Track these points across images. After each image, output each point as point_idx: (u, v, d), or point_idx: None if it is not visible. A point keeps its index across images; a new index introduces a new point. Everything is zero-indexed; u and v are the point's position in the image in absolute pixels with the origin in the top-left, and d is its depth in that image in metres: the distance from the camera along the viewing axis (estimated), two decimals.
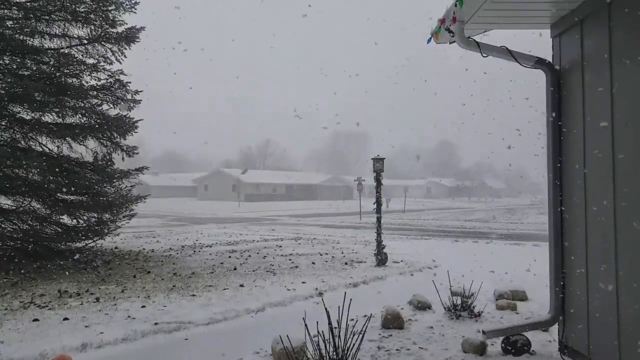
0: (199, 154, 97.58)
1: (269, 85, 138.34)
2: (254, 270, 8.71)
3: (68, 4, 9.29)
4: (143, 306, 5.95)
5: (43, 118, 9.53)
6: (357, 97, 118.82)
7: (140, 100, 10.68)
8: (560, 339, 4.16)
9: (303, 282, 7.55)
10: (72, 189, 9.47)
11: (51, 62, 9.56)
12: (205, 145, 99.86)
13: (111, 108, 10.44)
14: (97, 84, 10.06)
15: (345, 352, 3.60)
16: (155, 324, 5.20)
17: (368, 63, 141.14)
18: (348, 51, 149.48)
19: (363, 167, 69.18)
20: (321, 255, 10.91)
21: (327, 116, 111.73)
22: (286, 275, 8.26)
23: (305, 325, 3.57)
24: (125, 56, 10.37)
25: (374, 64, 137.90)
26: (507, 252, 11.79)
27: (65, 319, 5.38)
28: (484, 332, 4.28)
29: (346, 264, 9.61)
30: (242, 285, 7.29)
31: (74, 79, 9.81)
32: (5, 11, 9.16)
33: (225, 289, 7.01)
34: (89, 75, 9.96)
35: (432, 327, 5.19)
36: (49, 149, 9.89)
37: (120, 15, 9.91)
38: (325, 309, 3.64)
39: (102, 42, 10.03)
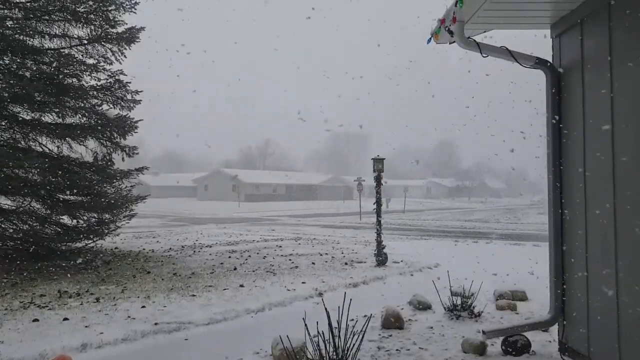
0: (199, 154, 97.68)
1: (269, 85, 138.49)
2: (254, 271, 8.71)
3: (68, 4, 9.29)
4: (143, 306, 5.95)
5: (43, 118, 9.54)
6: (357, 97, 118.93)
7: (140, 100, 10.69)
8: (560, 339, 4.16)
9: (303, 283, 7.55)
10: (72, 189, 9.47)
11: (53, 64, 9.55)
12: (205, 145, 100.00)
13: (111, 108, 10.45)
14: (97, 84, 10.06)
15: (345, 352, 3.60)
16: (155, 324, 5.20)
17: (368, 63, 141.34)
18: (348, 52, 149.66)
19: (363, 167, 69.26)
20: (321, 255, 10.91)
21: (327, 117, 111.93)
22: (286, 275, 8.26)
23: (305, 325, 3.56)
24: (125, 56, 10.37)
25: (374, 64, 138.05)
26: (507, 252, 11.79)
27: (65, 319, 5.38)
28: (484, 332, 4.28)
29: (346, 264, 9.61)
30: (242, 286, 7.28)
31: (74, 79, 9.80)
32: (6, 11, 9.16)
33: (225, 289, 7.01)
34: (89, 75, 9.96)
35: (432, 327, 5.19)
36: (49, 149, 9.90)
37: (120, 16, 9.91)
38: (325, 309, 3.64)
39: (102, 43, 10.03)
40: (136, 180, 10.89)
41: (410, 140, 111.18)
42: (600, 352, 3.51)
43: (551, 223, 4.14)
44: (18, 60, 9.23)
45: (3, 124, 9.45)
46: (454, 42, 4.00)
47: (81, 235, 9.88)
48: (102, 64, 10.10)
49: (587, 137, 3.67)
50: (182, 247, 12.51)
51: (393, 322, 5.15)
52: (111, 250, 11.47)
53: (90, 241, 10.33)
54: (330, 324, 3.60)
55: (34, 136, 9.76)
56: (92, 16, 9.63)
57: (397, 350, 4.44)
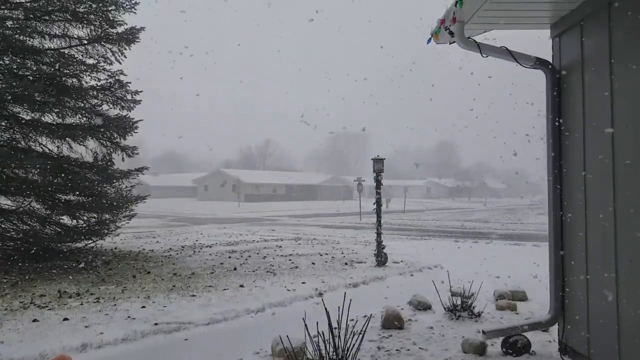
0: (199, 155, 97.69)
1: (269, 86, 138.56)
2: (253, 271, 8.71)
3: (68, 4, 9.29)
4: (143, 306, 5.95)
5: (43, 118, 9.54)
6: (357, 98, 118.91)
7: (140, 100, 10.69)
8: (560, 339, 4.16)
9: (303, 283, 7.55)
10: (72, 189, 9.47)
11: (55, 65, 9.55)
12: (205, 145, 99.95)
13: (111, 108, 10.45)
14: (97, 84, 10.06)
15: (345, 352, 3.60)
16: (155, 324, 5.19)
17: (368, 63, 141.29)
18: (348, 52, 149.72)
19: (363, 168, 69.28)
20: (321, 255, 10.91)
21: (327, 118, 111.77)
22: (286, 275, 8.26)
23: (305, 325, 3.56)
24: (125, 56, 10.37)
25: (374, 64, 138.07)
26: (507, 253, 11.79)
27: (65, 319, 5.38)
28: (484, 333, 4.28)
29: (346, 264, 9.61)
30: (242, 286, 7.28)
31: (74, 79, 9.81)
32: (6, 11, 9.16)
33: (225, 289, 7.01)
34: (88, 75, 9.97)
35: (432, 328, 5.19)
36: (49, 150, 9.90)
37: (120, 16, 9.91)
38: (325, 309, 3.63)
39: (102, 43, 10.03)
40: (136, 181, 10.89)
41: (411, 140, 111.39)
42: (600, 352, 3.51)
43: (551, 223, 4.14)
44: (18, 60, 9.23)
45: (3, 124, 9.45)
46: (454, 42, 4.00)
47: (81, 236, 9.88)
48: (102, 64, 10.10)
49: (587, 138, 3.67)
50: (182, 247, 12.51)
51: (393, 322, 5.14)
52: (111, 250, 11.46)
53: (90, 241, 10.33)
54: (330, 324, 3.60)
55: (33, 136, 9.76)
56: (92, 16, 9.63)
57: (397, 350, 4.44)
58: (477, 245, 13.50)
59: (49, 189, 9.41)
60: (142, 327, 5.07)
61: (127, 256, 10.55)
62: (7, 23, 9.06)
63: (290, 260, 10.13)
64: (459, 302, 5.64)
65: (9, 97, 8.71)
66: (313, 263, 9.67)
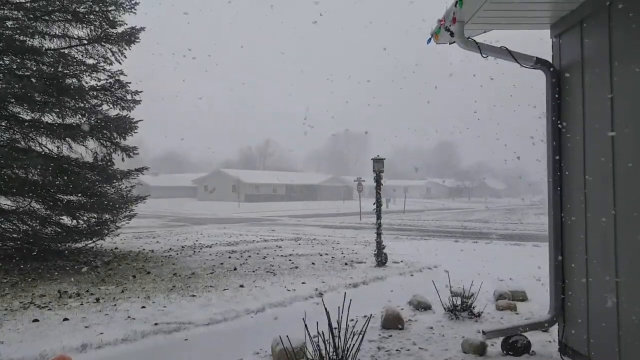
0: (199, 154, 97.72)
1: (270, 87, 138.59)
2: (253, 271, 8.71)
3: (68, 5, 9.30)
4: (143, 307, 5.95)
5: (43, 118, 9.54)
6: (358, 99, 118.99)
7: (140, 100, 10.69)
8: (560, 340, 4.16)
9: (303, 283, 7.55)
10: (72, 189, 9.47)
11: (55, 65, 9.55)
12: (205, 145, 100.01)
13: (111, 108, 10.45)
14: (97, 84, 10.06)
15: (345, 352, 3.60)
16: (155, 324, 5.20)
17: (368, 63, 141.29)
18: (349, 53, 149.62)
19: (363, 168, 69.29)
20: (321, 255, 10.91)
21: (327, 117, 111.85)
22: (286, 275, 8.26)
23: (305, 325, 3.56)
24: (125, 57, 10.38)
25: (374, 64, 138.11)
26: (507, 253, 11.79)
27: (65, 319, 5.38)
28: (484, 333, 4.28)
29: (346, 264, 9.61)
30: (242, 286, 7.28)
31: (74, 80, 9.81)
32: (6, 11, 9.16)
33: (225, 290, 7.01)
34: (88, 75, 9.97)
35: (432, 328, 5.19)
36: (49, 150, 9.90)
37: (120, 16, 9.92)
38: (325, 309, 3.63)
39: (102, 43, 10.03)
40: (136, 181, 10.90)
41: (411, 140, 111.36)
42: (600, 352, 3.51)
43: (551, 223, 4.14)
44: (18, 60, 9.23)
45: (3, 124, 9.45)
46: (454, 42, 4.00)
47: (81, 236, 9.88)
48: (102, 64, 10.11)
49: (587, 138, 3.67)
50: (182, 247, 12.51)
51: (393, 322, 5.14)
52: (111, 250, 11.46)
53: (90, 241, 10.33)
54: (330, 324, 3.60)
55: (33, 136, 9.76)
56: (92, 16, 9.64)
57: (397, 350, 4.44)
58: (477, 246, 13.49)
59: (49, 189, 9.41)
60: (142, 327, 5.07)
61: (127, 256, 10.55)
62: (7, 23, 9.06)
63: (290, 260, 10.13)
64: (459, 302, 5.64)
65: (9, 97, 8.71)
66: (313, 263, 9.67)
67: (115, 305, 6.04)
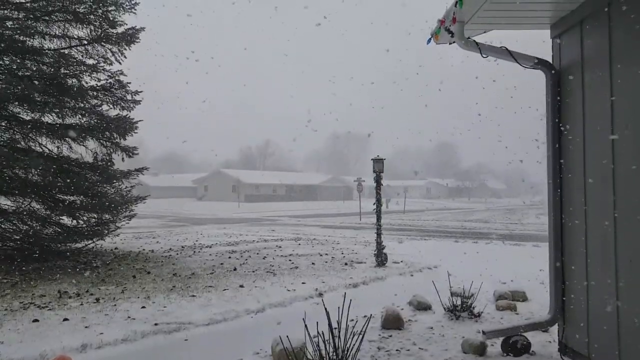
0: (199, 155, 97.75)
1: (269, 87, 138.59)
2: (253, 271, 8.71)
3: (68, 5, 9.30)
4: (143, 307, 5.95)
5: (43, 118, 9.54)
6: (357, 98, 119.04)
7: (140, 101, 10.69)
8: (560, 340, 4.16)
9: (303, 283, 7.55)
10: (72, 189, 9.47)
11: (55, 65, 9.55)
12: (205, 146, 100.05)
13: (111, 109, 10.45)
14: (97, 84, 10.07)
15: (345, 352, 3.60)
16: (155, 324, 5.20)
17: (368, 63, 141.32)
18: (348, 53, 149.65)
19: (363, 168, 69.32)
20: (321, 255, 10.91)
21: (328, 117, 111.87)
22: (286, 275, 8.26)
23: (305, 325, 3.56)
24: (125, 57, 10.38)
25: (374, 65, 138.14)
26: (507, 253, 11.78)
27: (65, 319, 5.38)
28: (484, 333, 4.28)
29: (346, 264, 9.61)
30: (242, 286, 7.28)
31: (74, 80, 9.81)
32: (6, 12, 9.17)
33: (225, 290, 7.01)
34: (88, 75, 9.97)
35: (432, 328, 5.19)
36: (49, 150, 9.90)
37: (120, 16, 9.92)
38: (325, 309, 3.63)
39: (102, 43, 10.04)
40: (136, 181, 10.90)
41: (411, 140, 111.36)
42: (600, 352, 3.51)
43: (551, 223, 4.14)
44: (18, 60, 9.23)
45: (3, 124, 9.45)
46: (454, 42, 4.00)
47: (81, 236, 9.88)
48: (102, 64, 10.11)
49: (587, 139, 3.67)
50: (182, 247, 12.51)
51: (393, 322, 5.14)
52: (111, 250, 11.46)
53: (90, 242, 10.33)
54: (330, 325, 3.60)
55: (33, 136, 9.76)
56: (92, 16, 9.64)
57: (397, 350, 4.43)
58: (477, 246, 13.49)
59: (49, 189, 9.41)
60: (142, 327, 5.07)
61: (127, 256, 10.55)
62: (8, 23, 9.06)
63: (290, 260, 10.13)
64: (459, 302, 5.64)
65: (9, 97, 8.71)
66: (313, 263, 9.67)
67: (115, 305, 6.04)
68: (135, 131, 10.63)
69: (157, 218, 28.68)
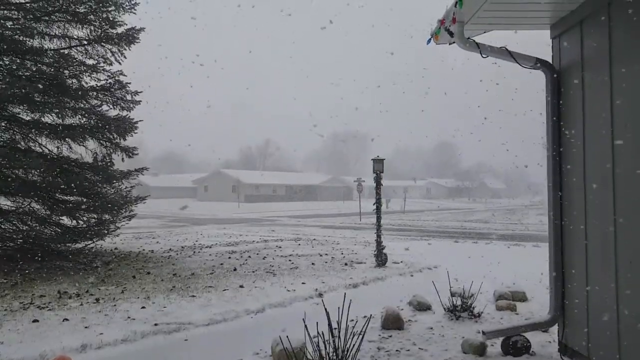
0: (199, 155, 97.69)
1: (269, 87, 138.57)
2: (253, 271, 8.70)
3: (68, 5, 9.30)
4: (143, 307, 5.95)
5: (42, 119, 9.54)
6: (357, 98, 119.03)
7: (140, 101, 10.69)
8: (560, 340, 4.16)
9: (303, 283, 7.55)
10: (72, 190, 9.47)
11: (56, 65, 9.55)
12: (205, 146, 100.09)
13: (111, 109, 10.45)
14: (96, 84, 10.06)
15: (345, 352, 3.60)
16: (155, 324, 5.19)
17: (368, 64, 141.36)
18: (348, 53, 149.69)
19: (363, 168, 69.31)
20: (321, 256, 10.91)
21: (328, 118, 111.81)
22: (286, 276, 8.26)
23: (305, 326, 3.56)
24: (124, 57, 10.38)
25: (374, 65, 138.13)
26: (507, 253, 11.78)
27: (65, 319, 5.38)
28: (483, 333, 4.28)
29: (346, 264, 9.61)
30: (241, 286, 7.28)
31: (74, 80, 9.81)
32: (6, 12, 9.16)
33: (225, 290, 7.01)
34: (88, 76, 9.97)
35: (432, 328, 5.18)
36: (49, 150, 9.90)
37: (119, 16, 9.92)
38: (325, 309, 3.63)
39: (102, 43, 10.04)
40: (136, 181, 10.90)
41: (411, 140, 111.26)
42: (600, 352, 3.50)
43: (551, 224, 4.13)
44: (18, 60, 9.23)
45: (3, 124, 9.45)
46: (454, 42, 4.00)
47: (81, 236, 9.87)
48: (102, 64, 10.11)
49: (587, 139, 3.67)
50: (182, 247, 12.51)
51: (393, 322, 5.14)
52: (111, 250, 11.46)
53: (90, 242, 10.32)
54: (330, 325, 3.60)
55: (33, 137, 9.76)
56: (91, 17, 9.64)
57: (397, 350, 4.43)
58: (477, 246, 13.49)
59: (49, 189, 9.40)
60: (141, 327, 5.07)
61: (127, 257, 10.55)
62: (7, 23, 9.06)
63: (290, 260, 10.12)
64: (458, 302, 5.64)
65: (9, 97, 8.71)
66: (313, 263, 9.67)
67: (115, 305, 6.04)
68: (135, 131, 10.63)
69: (156, 218, 28.68)
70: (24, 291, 6.87)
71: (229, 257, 10.57)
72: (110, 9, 9.70)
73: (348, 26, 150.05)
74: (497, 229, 20.84)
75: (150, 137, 64.66)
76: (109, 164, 10.33)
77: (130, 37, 10.14)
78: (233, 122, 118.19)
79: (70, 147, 10.12)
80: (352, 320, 4.02)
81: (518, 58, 4.04)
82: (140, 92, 10.57)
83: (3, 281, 7.53)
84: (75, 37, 9.94)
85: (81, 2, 9.38)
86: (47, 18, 9.43)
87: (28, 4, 9.31)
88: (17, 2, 9.27)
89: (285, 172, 76.01)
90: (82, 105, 9.92)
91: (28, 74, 9.26)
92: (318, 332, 3.61)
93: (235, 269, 8.91)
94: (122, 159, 10.58)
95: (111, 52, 10.20)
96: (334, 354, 3.57)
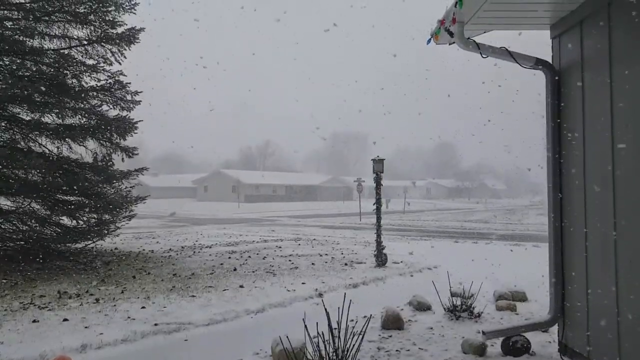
0: (199, 155, 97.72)
1: (269, 87, 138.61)
2: (253, 271, 8.70)
3: (68, 5, 9.30)
4: (143, 307, 5.95)
5: (43, 119, 9.55)
6: (358, 99, 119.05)
7: (140, 101, 10.69)
8: (559, 340, 4.16)
9: (303, 283, 7.55)
10: (72, 190, 9.47)
11: (56, 65, 9.55)
12: (206, 147, 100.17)
13: (111, 109, 10.45)
14: (97, 84, 10.07)
15: (345, 352, 3.60)
16: (155, 324, 5.19)
17: (369, 65, 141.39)
18: (348, 53, 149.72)
19: (363, 168, 69.32)
20: (321, 256, 10.91)
21: (329, 119, 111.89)
22: (286, 276, 8.26)
23: (305, 326, 3.56)
24: (124, 57, 10.39)
25: (375, 66, 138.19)
26: (507, 253, 11.78)
27: (65, 319, 5.38)
28: (483, 333, 4.28)
29: (346, 264, 9.61)
30: (241, 286, 7.28)
31: (74, 80, 9.81)
32: (6, 12, 9.17)
33: (225, 290, 7.01)
34: (88, 76, 9.98)
35: (431, 328, 5.18)
36: (49, 150, 9.90)
37: (119, 16, 9.92)
38: (325, 309, 3.63)
39: (102, 43, 10.04)
40: (136, 181, 10.90)
41: (411, 140, 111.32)
42: (600, 353, 3.50)
43: (551, 224, 4.13)
44: (18, 61, 9.23)
45: (3, 124, 9.45)
46: (454, 43, 4.00)
47: (81, 236, 9.87)
48: (102, 64, 10.11)
49: (587, 139, 3.67)
50: (182, 247, 12.51)
51: (393, 322, 5.14)
52: (111, 250, 11.46)
53: (90, 242, 10.32)
54: (330, 325, 3.60)
55: (33, 137, 9.76)
56: (91, 17, 9.64)
57: (397, 350, 4.43)
58: (477, 246, 13.50)
59: (49, 189, 9.40)
60: (141, 327, 5.07)
61: (127, 257, 10.55)
62: (7, 24, 9.06)
63: (290, 260, 10.12)
64: (458, 302, 5.64)
65: (10, 98, 8.71)
66: (313, 263, 9.67)
67: (115, 305, 6.04)
68: (135, 132, 10.63)
69: (156, 218, 28.68)
70: (24, 291, 6.87)
71: (229, 257, 10.57)
72: (110, 9, 9.70)
73: (350, 28, 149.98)
74: (497, 229, 20.84)
75: (152, 137, 64.72)
76: (109, 164, 10.33)
77: (130, 37, 10.14)
78: (235, 124, 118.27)
79: (71, 147, 10.12)
80: (352, 320, 4.03)
81: (518, 58, 4.04)
82: (141, 92, 10.58)
83: (3, 281, 7.54)
84: (75, 37, 9.95)
85: (81, 2, 9.38)
86: (47, 18, 9.43)
87: (28, 4, 9.31)
88: (17, 2, 9.27)
89: (285, 173, 76.06)
90: (82, 106, 9.92)
91: (28, 74, 9.26)
92: (318, 332, 3.61)
93: (235, 269, 8.91)
94: (122, 159, 10.59)
95: (111, 52, 10.20)
96: (334, 354, 3.57)
